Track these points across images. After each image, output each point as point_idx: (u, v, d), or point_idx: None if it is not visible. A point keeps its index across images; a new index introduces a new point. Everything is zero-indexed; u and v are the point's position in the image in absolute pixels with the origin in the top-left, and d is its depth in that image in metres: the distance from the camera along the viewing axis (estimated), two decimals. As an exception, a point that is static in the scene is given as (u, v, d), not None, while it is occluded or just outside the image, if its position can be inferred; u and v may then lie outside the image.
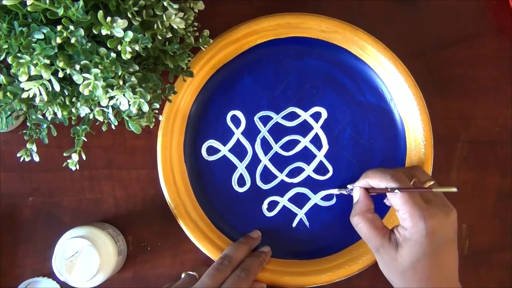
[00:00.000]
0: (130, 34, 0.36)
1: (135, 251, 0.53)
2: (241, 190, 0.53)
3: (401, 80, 0.52)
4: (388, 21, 0.55)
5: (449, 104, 0.56)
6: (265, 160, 0.53)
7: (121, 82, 0.38)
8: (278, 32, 0.53)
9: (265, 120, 0.53)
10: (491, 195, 0.55)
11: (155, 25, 0.41)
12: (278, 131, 0.53)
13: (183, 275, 0.48)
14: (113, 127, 0.43)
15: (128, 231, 0.53)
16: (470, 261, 0.55)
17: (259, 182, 0.53)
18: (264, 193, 0.53)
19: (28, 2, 0.35)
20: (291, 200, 0.53)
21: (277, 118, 0.53)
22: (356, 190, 0.48)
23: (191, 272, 0.48)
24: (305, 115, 0.53)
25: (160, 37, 0.41)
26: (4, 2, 0.35)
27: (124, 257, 0.52)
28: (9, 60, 0.36)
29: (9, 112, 0.41)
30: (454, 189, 0.41)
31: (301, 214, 0.53)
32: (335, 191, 0.52)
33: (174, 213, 0.51)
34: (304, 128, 0.53)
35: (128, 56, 0.37)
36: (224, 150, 0.53)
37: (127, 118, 0.42)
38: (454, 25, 0.56)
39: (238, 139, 0.53)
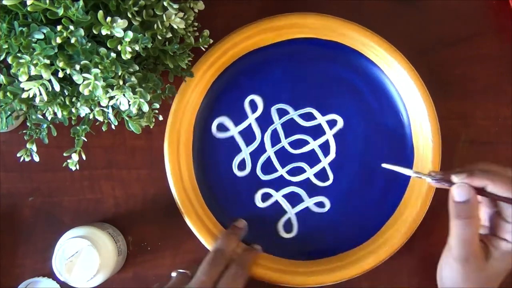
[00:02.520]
0: (130, 34, 0.36)
1: (135, 251, 0.53)
2: (239, 174, 0.53)
3: (423, 108, 0.52)
4: (388, 21, 0.55)
5: (449, 104, 0.56)
6: (270, 151, 0.53)
7: (121, 82, 0.38)
8: (323, 33, 0.53)
9: (281, 113, 0.53)
10: (491, 195, 0.55)
11: (155, 25, 0.41)
12: (291, 127, 0.53)
13: (173, 274, 0.47)
14: (113, 127, 0.43)
15: (128, 231, 0.53)
16: (470, 261, 0.55)
17: (258, 171, 0.53)
18: (260, 183, 0.53)
19: (28, 2, 0.35)
20: (285, 196, 0.53)
21: (293, 114, 0.53)
22: (464, 189, 0.41)
23: (181, 270, 0.47)
24: (321, 119, 0.53)
25: (160, 37, 0.41)
26: (4, 2, 0.35)
27: (124, 257, 0.52)
28: (9, 60, 0.36)
29: (9, 112, 0.41)
30: None
31: (291, 213, 0.53)
32: (408, 172, 0.46)
33: (176, 199, 0.51)
34: (316, 131, 0.53)
35: (128, 56, 0.37)
36: (234, 131, 0.53)
37: (127, 118, 0.42)
38: (454, 25, 0.56)
39: (250, 124, 0.53)
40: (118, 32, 0.36)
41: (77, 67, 0.37)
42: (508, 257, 0.40)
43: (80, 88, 0.37)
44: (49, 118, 0.42)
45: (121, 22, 0.36)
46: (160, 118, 0.50)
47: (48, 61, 0.36)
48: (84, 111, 0.40)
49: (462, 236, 0.41)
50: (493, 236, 0.42)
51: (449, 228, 0.43)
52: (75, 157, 0.43)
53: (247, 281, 0.47)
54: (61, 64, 0.36)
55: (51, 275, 0.52)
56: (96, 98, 0.39)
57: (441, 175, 0.43)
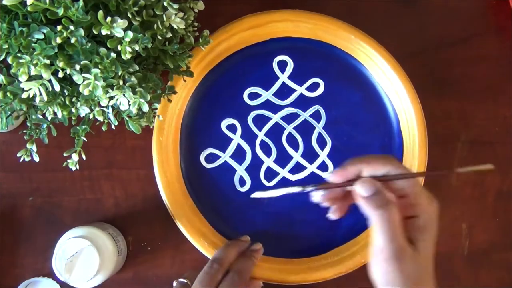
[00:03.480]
0: (130, 34, 0.36)
1: (135, 251, 0.53)
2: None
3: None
4: (388, 21, 0.56)
5: (449, 104, 0.56)
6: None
7: (121, 82, 0.38)
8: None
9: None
10: (491, 195, 0.55)
11: (155, 25, 0.41)
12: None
13: (174, 284, 0.47)
14: (113, 127, 0.43)
15: (128, 231, 0.53)
16: (470, 261, 0.55)
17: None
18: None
19: (28, 2, 0.35)
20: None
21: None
22: (367, 182, 0.37)
23: (182, 280, 0.47)
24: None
25: (160, 37, 0.41)
26: (4, 2, 0.35)
27: (124, 257, 0.52)
28: (9, 60, 0.36)
29: (9, 112, 0.41)
30: (490, 166, 0.36)
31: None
32: (295, 189, 0.40)
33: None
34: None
35: (128, 56, 0.37)
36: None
37: (127, 118, 0.42)
38: (454, 25, 0.56)
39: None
40: (118, 32, 0.36)
41: (77, 67, 0.37)
42: (428, 231, 0.37)
43: (80, 88, 0.37)
44: (49, 118, 0.42)
45: (121, 22, 0.36)
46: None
47: (48, 61, 0.36)
48: (84, 111, 0.40)
49: (387, 228, 0.36)
50: (408, 220, 0.38)
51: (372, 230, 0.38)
52: (75, 157, 0.43)
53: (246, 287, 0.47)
54: (61, 64, 0.36)
55: (51, 275, 0.52)
56: (96, 98, 0.39)
57: (320, 184, 0.39)
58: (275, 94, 0.54)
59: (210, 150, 0.53)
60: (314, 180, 0.53)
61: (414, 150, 0.52)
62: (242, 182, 0.53)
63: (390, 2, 0.56)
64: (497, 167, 0.55)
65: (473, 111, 0.56)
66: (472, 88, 0.56)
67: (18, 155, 0.43)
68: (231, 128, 0.53)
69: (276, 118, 0.53)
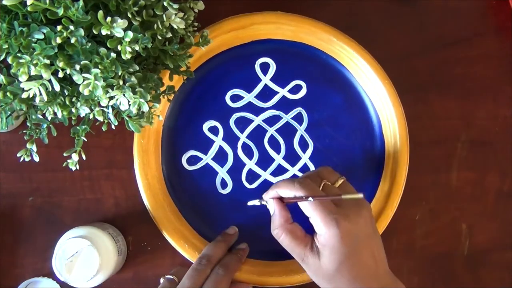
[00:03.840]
0: (130, 34, 0.36)
1: (135, 251, 0.53)
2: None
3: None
4: (387, 21, 0.56)
5: (449, 104, 0.56)
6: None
7: (121, 82, 0.38)
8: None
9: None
10: (491, 195, 0.55)
11: (155, 25, 0.41)
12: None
13: (161, 280, 0.47)
14: (113, 127, 0.43)
15: (128, 231, 0.53)
16: (470, 261, 0.55)
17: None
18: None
19: (28, 2, 0.35)
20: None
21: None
22: (270, 203, 0.47)
23: (169, 276, 0.47)
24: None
25: (160, 37, 0.41)
26: (4, 2, 0.35)
27: (124, 257, 0.52)
28: (9, 60, 0.36)
29: (9, 112, 0.41)
30: (360, 195, 0.42)
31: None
32: (256, 202, 0.49)
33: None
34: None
35: (128, 56, 0.37)
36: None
37: (127, 118, 0.42)
38: (454, 25, 0.56)
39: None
40: (118, 32, 0.36)
41: (77, 67, 0.37)
42: (328, 251, 0.42)
43: (80, 88, 0.37)
44: (49, 118, 0.41)
45: (121, 22, 0.36)
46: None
47: (48, 61, 0.36)
48: (84, 111, 0.40)
49: (285, 242, 0.45)
50: (315, 233, 0.44)
51: None
52: (75, 157, 0.43)
53: (230, 283, 0.47)
54: (61, 64, 0.36)
55: (51, 275, 0.52)
56: (96, 98, 0.39)
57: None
58: (257, 97, 0.53)
59: (192, 153, 0.53)
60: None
61: (396, 153, 0.52)
62: (224, 184, 0.53)
63: (390, 2, 0.56)
64: (497, 167, 0.56)
65: (473, 111, 0.56)
66: (472, 88, 0.56)
67: (18, 155, 0.43)
68: (213, 130, 0.53)
69: (258, 120, 0.53)
